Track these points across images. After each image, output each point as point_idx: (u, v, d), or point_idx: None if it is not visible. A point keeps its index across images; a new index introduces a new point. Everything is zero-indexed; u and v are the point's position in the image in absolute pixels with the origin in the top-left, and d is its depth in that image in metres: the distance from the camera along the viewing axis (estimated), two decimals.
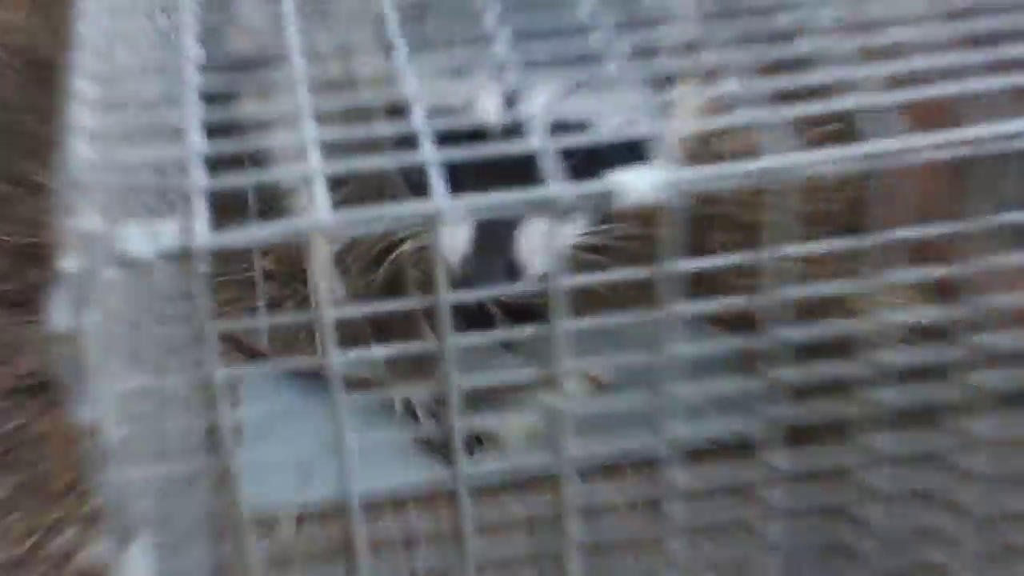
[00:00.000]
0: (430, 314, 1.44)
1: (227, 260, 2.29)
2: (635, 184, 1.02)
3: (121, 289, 1.23)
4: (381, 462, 1.89)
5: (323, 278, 1.04)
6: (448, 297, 1.07)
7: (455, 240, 1.68)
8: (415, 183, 1.72)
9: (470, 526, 1.18)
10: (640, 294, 1.10)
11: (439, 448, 1.94)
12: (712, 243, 2.18)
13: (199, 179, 1.04)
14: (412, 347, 1.11)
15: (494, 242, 1.63)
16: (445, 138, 1.61)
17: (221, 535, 1.93)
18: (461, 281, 1.71)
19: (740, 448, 1.94)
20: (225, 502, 1.19)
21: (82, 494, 1.93)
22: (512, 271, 1.67)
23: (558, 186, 1.04)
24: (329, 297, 1.04)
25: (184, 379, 1.37)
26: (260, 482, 1.89)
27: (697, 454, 1.94)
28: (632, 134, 1.08)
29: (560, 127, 1.52)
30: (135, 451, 1.19)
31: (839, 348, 1.78)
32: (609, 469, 1.91)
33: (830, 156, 1.02)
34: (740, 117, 1.05)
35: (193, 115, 1.08)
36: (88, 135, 1.07)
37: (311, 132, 1.08)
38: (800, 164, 1.02)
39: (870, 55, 1.12)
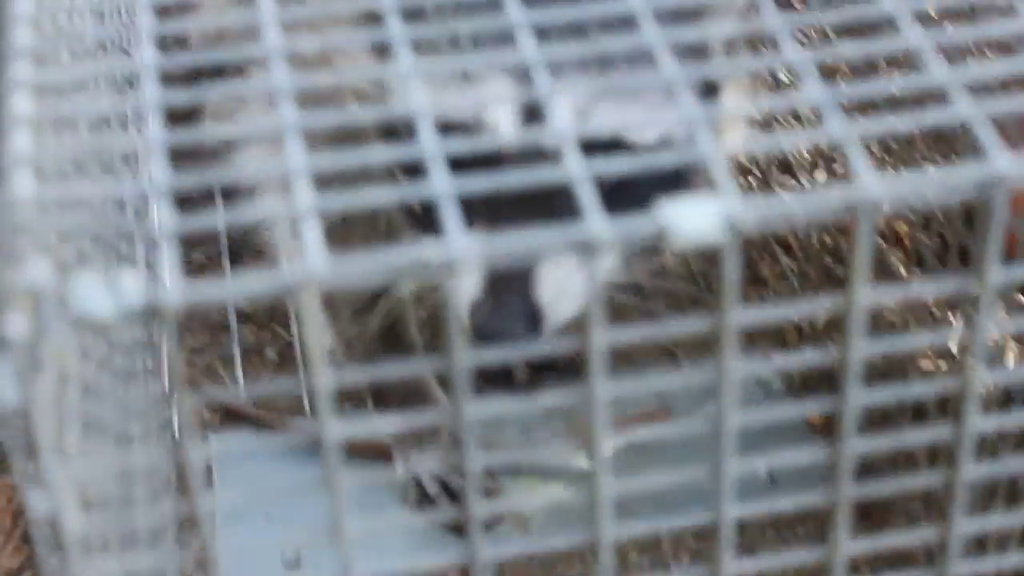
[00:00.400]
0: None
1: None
2: (690, 220, 0.89)
3: (75, 350, 1.10)
4: (384, 544, 1.76)
5: (315, 335, 0.90)
6: (465, 358, 0.94)
7: (463, 281, 1.50)
8: (416, 214, 1.59)
9: None
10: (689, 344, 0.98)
11: (453, 527, 1.80)
12: (767, 270, 2.05)
13: (166, 221, 0.91)
14: (421, 416, 0.98)
15: (510, 283, 1.46)
16: (452, 160, 1.51)
17: None
18: (472, 331, 1.52)
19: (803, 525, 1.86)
20: None
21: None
22: (533, 320, 1.49)
23: (597, 223, 0.90)
24: (323, 358, 0.90)
25: (153, 453, 1.25)
26: (239, 562, 1.78)
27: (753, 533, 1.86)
28: (678, 154, 0.95)
29: (589, 145, 1.42)
30: (98, 541, 1.07)
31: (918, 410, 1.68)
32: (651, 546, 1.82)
33: (941, 180, 0.89)
34: (821, 133, 0.92)
35: (157, 139, 0.95)
36: (30, 165, 0.93)
37: (297, 157, 0.94)
38: (901, 191, 0.88)
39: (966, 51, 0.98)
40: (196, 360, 2.01)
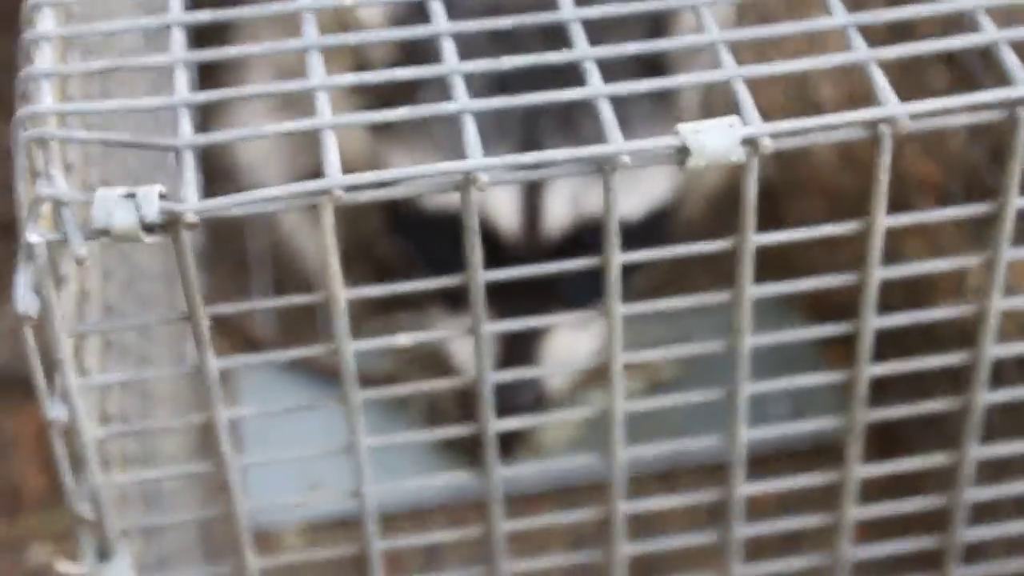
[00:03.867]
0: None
1: (217, 238, 2.18)
2: (711, 139, 0.90)
3: (96, 266, 1.11)
4: (399, 468, 1.78)
5: (332, 249, 0.91)
6: (485, 274, 0.95)
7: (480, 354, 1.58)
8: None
9: (502, 539, 1.06)
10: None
11: (467, 452, 1.81)
12: (789, 214, 2.05)
13: (188, 134, 0.92)
14: (441, 333, 0.99)
15: (516, 357, 1.57)
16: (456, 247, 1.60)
17: (217, 551, 1.83)
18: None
19: (816, 453, 1.86)
20: (222, 513, 1.07)
21: (57, 503, 1.81)
22: (539, 397, 1.63)
23: (617, 141, 0.91)
24: (339, 274, 0.91)
25: (171, 371, 1.26)
26: (262, 491, 1.79)
27: (766, 460, 1.86)
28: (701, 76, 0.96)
29: (584, 227, 1.56)
30: (116, 454, 1.08)
31: (938, 337, 1.68)
32: (665, 476, 1.83)
33: (963, 103, 0.89)
34: (843, 56, 0.92)
35: (180, 57, 0.96)
36: (54, 81, 0.94)
37: (319, 75, 0.95)
38: (924, 112, 0.89)
39: None
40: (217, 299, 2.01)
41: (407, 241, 1.67)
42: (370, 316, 1.72)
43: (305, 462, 1.76)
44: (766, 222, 0.97)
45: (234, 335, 1.98)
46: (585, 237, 1.61)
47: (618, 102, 0.93)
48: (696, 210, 1.81)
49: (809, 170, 2.05)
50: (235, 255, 2.14)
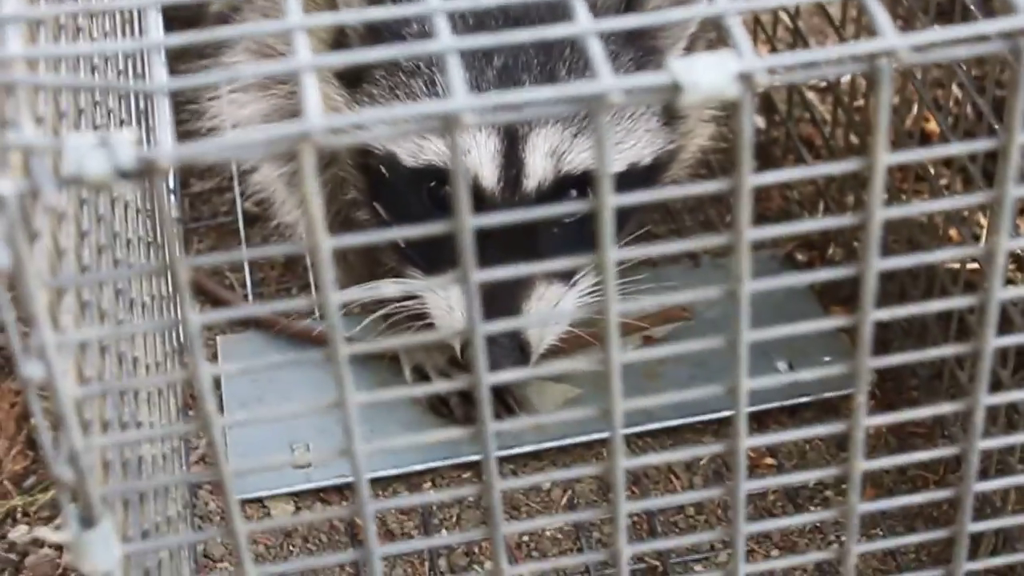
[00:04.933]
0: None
1: (202, 202, 2.16)
2: (705, 74, 0.87)
3: (71, 222, 1.09)
4: (390, 430, 1.76)
5: (314, 196, 0.89)
6: (472, 221, 0.92)
7: (454, 314, 1.61)
8: (402, 249, 1.64)
9: (498, 492, 1.03)
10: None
11: (459, 414, 1.80)
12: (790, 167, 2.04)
13: (161, 77, 0.89)
14: (426, 284, 0.97)
15: (501, 315, 1.53)
16: (442, 204, 1.61)
17: (203, 516, 1.81)
18: (463, 361, 1.68)
19: (818, 410, 1.85)
20: (207, 478, 1.04)
21: (37, 484, 1.80)
22: (522, 353, 1.61)
23: (608, 79, 0.88)
24: (323, 221, 0.88)
25: (150, 327, 1.24)
26: (247, 456, 1.79)
27: (763, 418, 1.86)
28: (697, 11, 0.94)
29: (564, 181, 1.59)
30: (96, 420, 1.06)
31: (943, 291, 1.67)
32: (663, 434, 1.82)
33: (965, 33, 0.87)
34: None
35: (152, 0, 0.93)
36: (21, 23, 0.92)
37: (297, 14, 0.92)
38: (925, 44, 0.86)
39: None
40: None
41: (385, 206, 1.67)
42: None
43: (290, 430, 1.78)
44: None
45: (214, 302, 1.97)
46: (566, 193, 1.62)
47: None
48: (681, 173, 1.81)
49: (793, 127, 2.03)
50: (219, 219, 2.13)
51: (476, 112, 0.88)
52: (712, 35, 1.82)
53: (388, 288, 0.97)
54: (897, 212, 0.94)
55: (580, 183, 1.62)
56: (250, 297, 2.00)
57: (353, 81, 1.63)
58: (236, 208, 2.08)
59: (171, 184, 2.04)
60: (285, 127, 0.88)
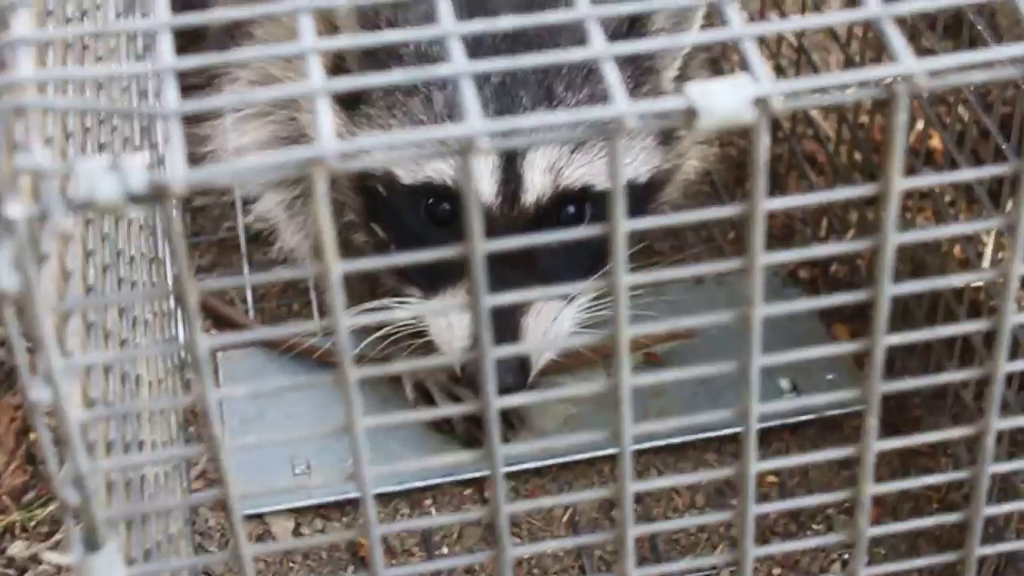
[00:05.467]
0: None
1: (204, 217, 2.15)
2: (720, 99, 0.87)
3: (77, 245, 1.09)
4: (392, 448, 1.76)
5: (327, 220, 0.89)
6: (484, 246, 0.92)
7: (453, 331, 1.60)
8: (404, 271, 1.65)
9: (506, 515, 1.03)
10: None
11: (461, 431, 1.80)
12: (793, 184, 2.05)
13: (172, 100, 0.89)
14: (435, 306, 0.96)
15: (500, 331, 1.51)
16: (440, 221, 1.60)
17: (203, 533, 1.81)
18: (464, 381, 1.71)
19: (819, 428, 1.86)
20: (211, 498, 1.04)
21: (37, 499, 1.79)
22: (522, 371, 1.60)
23: (623, 103, 0.88)
24: (335, 245, 0.88)
25: (157, 351, 1.23)
26: (251, 476, 1.78)
27: (765, 436, 1.86)
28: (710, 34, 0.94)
29: (561, 198, 1.59)
30: (99, 442, 1.06)
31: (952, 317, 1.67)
32: (670, 455, 1.81)
33: (981, 59, 0.87)
34: (854, 13, 0.90)
35: (164, 21, 0.93)
36: (31, 45, 0.92)
37: (309, 37, 0.92)
38: (942, 69, 0.86)
39: None
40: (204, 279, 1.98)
41: (383, 226, 1.67)
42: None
43: (293, 449, 1.78)
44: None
45: (219, 322, 1.97)
46: (563, 211, 1.61)
47: (598, 80, 0.91)
48: (675, 193, 1.81)
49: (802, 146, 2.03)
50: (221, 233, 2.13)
51: (491, 137, 0.88)
52: (703, 55, 1.83)
53: (398, 311, 0.96)
54: (913, 237, 0.94)
55: (578, 198, 1.62)
56: (251, 312, 2.00)
57: (351, 103, 1.63)
58: (238, 223, 2.08)
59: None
60: (298, 151, 0.88)
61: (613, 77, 0.90)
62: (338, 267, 0.92)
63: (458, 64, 0.92)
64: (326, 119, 0.89)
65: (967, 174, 0.94)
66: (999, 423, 1.02)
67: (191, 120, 1.84)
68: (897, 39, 0.90)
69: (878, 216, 0.93)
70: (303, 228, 1.83)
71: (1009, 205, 0.97)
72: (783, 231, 2.05)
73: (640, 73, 1.65)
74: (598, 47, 0.92)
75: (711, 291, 1.95)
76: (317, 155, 0.87)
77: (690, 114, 0.88)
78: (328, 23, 1.59)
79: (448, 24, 0.94)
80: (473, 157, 0.89)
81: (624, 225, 0.93)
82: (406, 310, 0.97)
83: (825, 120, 2.13)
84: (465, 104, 0.89)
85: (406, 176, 1.61)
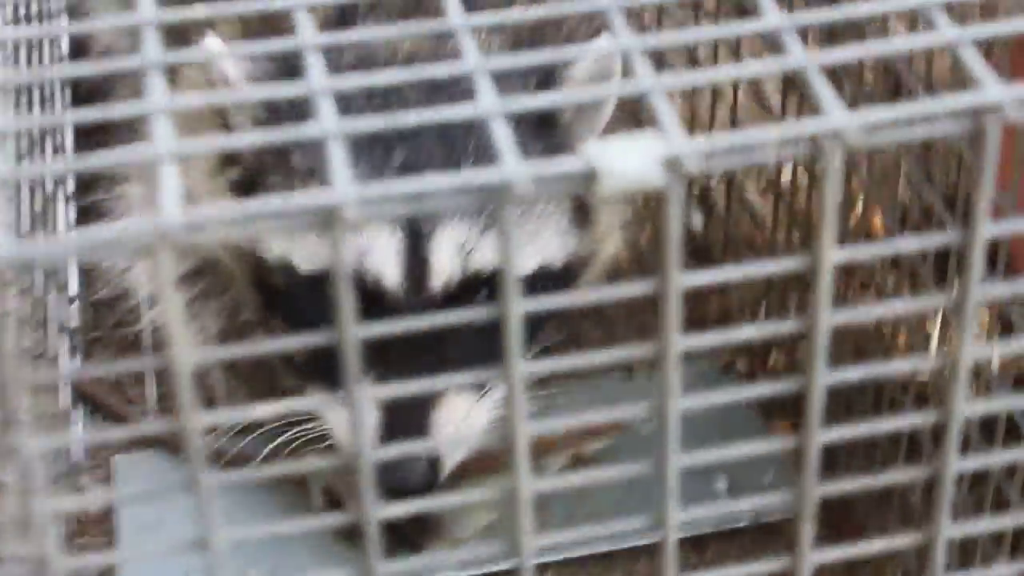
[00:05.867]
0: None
1: (106, 308, 2.03)
2: (626, 159, 0.76)
3: None
4: (299, 562, 1.63)
5: (174, 303, 0.77)
6: (360, 330, 0.81)
7: (359, 424, 1.47)
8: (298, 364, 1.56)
9: None
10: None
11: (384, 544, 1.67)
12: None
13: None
14: (309, 402, 0.85)
15: (409, 427, 1.46)
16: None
17: None
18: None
19: (760, 533, 1.74)
20: None
21: None
22: (432, 471, 1.51)
23: (513, 164, 0.77)
24: (183, 333, 0.77)
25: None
26: None
27: (702, 541, 1.74)
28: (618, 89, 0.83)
29: (473, 281, 1.48)
30: None
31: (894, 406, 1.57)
32: (596, 560, 1.69)
33: (922, 111, 0.76)
34: (776, 63, 0.79)
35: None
36: None
37: (159, 97, 0.81)
38: (874, 122, 0.76)
39: None
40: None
41: (285, 321, 1.57)
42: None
43: (186, 559, 1.64)
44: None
45: (97, 406, 1.84)
46: (476, 296, 1.50)
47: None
48: (597, 277, 1.70)
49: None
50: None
51: (359, 205, 0.77)
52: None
53: (259, 410, 0.84)
54: (844, 317, 0.83)
55: (491, 282, 1.50)
56: (151, 414, 1.87)
57: (248, 190, 1.52)
58: (140, 317, 1.96)
59: (72, 290, 1.91)
60: (139, 222, 0.76)
61: (502, 135, 0.79)
62: (189, 358, 0.80)
63: (325, 124, 0.81)
64: (171, 188, 0.77)
65: (908, 243, 0.83)
66: (950, 529, 0.90)
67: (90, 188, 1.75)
68: (824, 90, 0.79)
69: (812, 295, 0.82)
70: (202, 332, 1.72)
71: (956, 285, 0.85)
72: (719, 321, 1.95)
73: (554, 149, 1.53)
74: (485, 103, 0.81)
75: (642, 385, 1.83)
76: (160, 227, 0.76)
77: (590, 176, 0.77)
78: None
79: (316, 82, 0.83)
80: (342, 229, 0.78)
81: (518, 306, 0.81)
82: (273, 408, 0.84)
83: (763, 202, 2.04)
84: (332, 167, 0.78)
85: (303, 264, 1.49)
